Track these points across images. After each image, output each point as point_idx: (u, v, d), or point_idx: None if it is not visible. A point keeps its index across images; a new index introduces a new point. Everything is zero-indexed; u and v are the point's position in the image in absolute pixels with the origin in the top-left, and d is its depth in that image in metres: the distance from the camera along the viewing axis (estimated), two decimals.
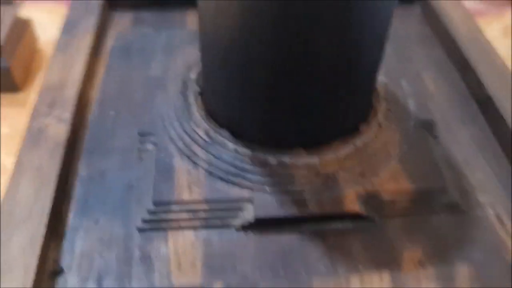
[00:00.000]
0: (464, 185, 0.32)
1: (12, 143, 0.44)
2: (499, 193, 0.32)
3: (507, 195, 0.32)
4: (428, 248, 0.29)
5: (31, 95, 0.49)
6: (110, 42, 0.43)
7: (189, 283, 0.28)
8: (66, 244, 0.30)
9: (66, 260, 0.29)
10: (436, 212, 0.31)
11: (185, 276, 0.28)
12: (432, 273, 0.27)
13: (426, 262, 0.28)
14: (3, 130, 0.45)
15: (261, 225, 0.30)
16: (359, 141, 0.32)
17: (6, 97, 0.48)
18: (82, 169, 0.33)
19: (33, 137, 0.34)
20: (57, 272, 0.29)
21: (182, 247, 0.29)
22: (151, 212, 0.30)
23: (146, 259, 0.29)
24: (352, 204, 0.30)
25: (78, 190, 0.32)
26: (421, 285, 0.26)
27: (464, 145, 0.34)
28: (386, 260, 0.28)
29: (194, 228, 0.30)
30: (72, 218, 0.31)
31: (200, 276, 0.28)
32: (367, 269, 0.27)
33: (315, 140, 0.31)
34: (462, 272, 0.27)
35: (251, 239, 0.29)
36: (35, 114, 0.35)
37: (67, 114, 0.34)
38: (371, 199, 0.30)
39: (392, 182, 0.31)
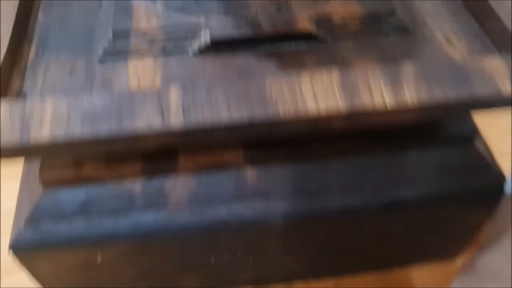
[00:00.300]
0: (413, 11, 0.33)
1: None
2: (446, 18, 0.33)
3: (455, 19, 0.33)
4: (377, 59, 0.30)
5: None
6: None
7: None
8: (28, 76, 0.31)
9: (28, 89, 0.30)
10: (385, 34, 0.32)
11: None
12: (379, 72, 0.28)
13: (375, 67, 0.29)
14: None
15: (217, 47, 0.31)
16: None
17: None
18: (42, 15, 0.34)
19: None
20: (20, 97, 0.30)
21: (141, 72, 0.30)
22: (111, 42, 0.31)
23: (107, 84, 0.30)
24: (305, 24, 0.31)
25: (38, 32, 0.33)
26: (369, 80, 0.27)
27: None
28: (337, 66, 0.29)
29: (153, 55, 0.31)
30: (33, 54, 0.32)
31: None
32: (318, 70, 0.28)
33: None
34: (408, 70, 0.28)
35: (208, 62, 0.30)
36: None
37: None
38: (323, 21, 0.31)
39: (343, 6, 0.32)
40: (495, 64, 0.28)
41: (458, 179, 0.35)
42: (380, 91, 0.27)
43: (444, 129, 0.35)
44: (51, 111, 0.26)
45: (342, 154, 0.34)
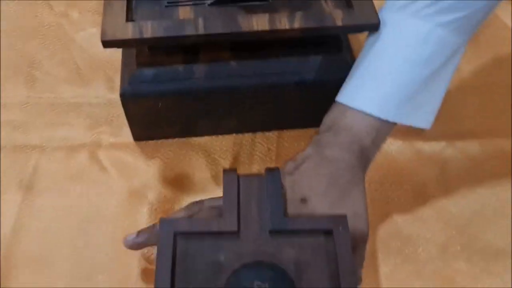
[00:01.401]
0: None
1: None
2: None
3: None
4: (290, 10, 0.67)
5: None
6: None
7: None
8: (134, 13, 0.68)
9: (135, 18, 0.67)
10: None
11: None
12: (288, 14, 0.65)
13: (289, 11, 0.66)
14: None
15: (219, 2, 0.67)
16: None
17: None
18: None
19: None
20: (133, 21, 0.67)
21: (184, 12, 0.67)
22: None
23: (170, 16, 0.67)
24: None
25: None
26: (287, 17, 0.64)
27: None
28: (272, 11, 0.66)
29: (189, 5, 0.68)
30: (134, 4, 0.69)
31: None
32: (263, 14, 0.65)
33: None
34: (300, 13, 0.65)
35: (215, 9, 0.67)
36: None
37: None
38: None
39: None
40: (338, 12, 0.65)
41: (331, 72, 0.72)
42: (289, 21, 0.64)
43: (331, 45, 0.72)
44: (150, 26, 0.63)
45: (278, 54, 0.71)
